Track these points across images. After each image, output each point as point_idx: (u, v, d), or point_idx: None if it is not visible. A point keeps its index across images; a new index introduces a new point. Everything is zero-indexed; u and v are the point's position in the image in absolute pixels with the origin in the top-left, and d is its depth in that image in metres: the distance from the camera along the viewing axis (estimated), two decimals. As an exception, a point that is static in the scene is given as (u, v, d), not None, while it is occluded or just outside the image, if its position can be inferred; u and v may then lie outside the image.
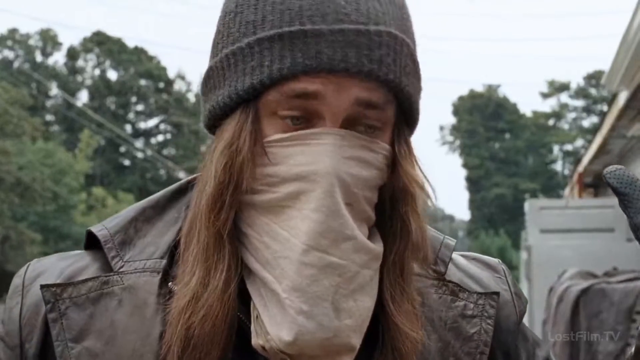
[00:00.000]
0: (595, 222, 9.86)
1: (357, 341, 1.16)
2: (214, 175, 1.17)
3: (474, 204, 65.13)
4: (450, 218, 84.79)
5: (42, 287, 1.23)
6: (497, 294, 1.33)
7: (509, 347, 1.33)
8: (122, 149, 57.65)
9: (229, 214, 1.17)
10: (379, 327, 1.22)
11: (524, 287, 10.65)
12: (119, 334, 1.20)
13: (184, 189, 1.32)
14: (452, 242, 1.36)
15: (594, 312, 5.84)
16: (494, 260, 1.41)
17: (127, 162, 58.87)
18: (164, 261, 1.25)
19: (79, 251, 1.33)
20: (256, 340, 1.16)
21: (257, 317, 1.16)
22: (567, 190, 17.96)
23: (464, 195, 71.61)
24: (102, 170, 54.55)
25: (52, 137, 47.82)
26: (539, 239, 9.86)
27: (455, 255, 1.37)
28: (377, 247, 1.19)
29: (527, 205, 10.90)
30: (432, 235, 1.34)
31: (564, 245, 9.04)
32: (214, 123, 1.23)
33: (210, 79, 1.24)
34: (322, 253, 1.13)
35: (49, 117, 56.79)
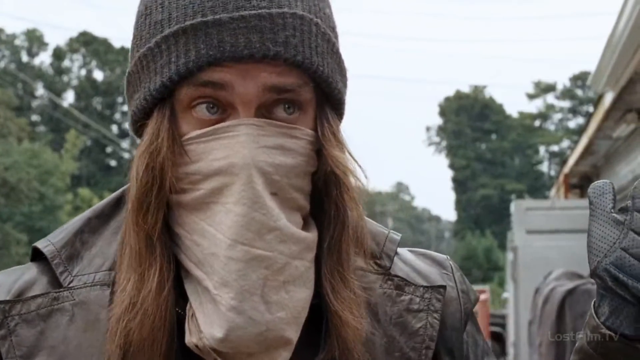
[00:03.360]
0: (582, 222, 9.80)
1: (292, 334, 1.14)
2: (137, 178, 1.16)
3: (460, 205, 65.26)
4: (437, 219, 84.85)
5: None
6: (444, 287, 1.31)
7: (453, 345, 1.31)
8: (109, 150, 57.56)
9: (156, 215, 1.16)
10: (323, 317, 1.20)
11: (510, 288, 10.69)
12: (72, 350, 1.19)
13: (125, 196, 1.29)
14: (397, 236, 1.35)
15: (579, 313, 5.86)
16: (442, 257, 1.40)
17: (113, 163, 58.78)
18: (113, 273, 1.23)
19: (24, 265, 1.30)
20: (189, 339, 1.15)
21: (192, 315, 1.15)
22: (553, 191, 18.00)
23: (450, 196, 71.71)
24: (89, 170, 54.45)
25: (38, 137, 47.71)
26: (525, 240, 9.88)
27: (402, 250, 1.36)
28: (309, 235, 1.18)
29: (513, 206, 10.92)
30: (377, 230, 1.33)
31: (550, 246, 9.07)
32: (137, 127, 1.22)
33: (130, 85, 1.23)
34: (247, 247, 1.11)
35: (35, 118, 56.67)
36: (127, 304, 1.14)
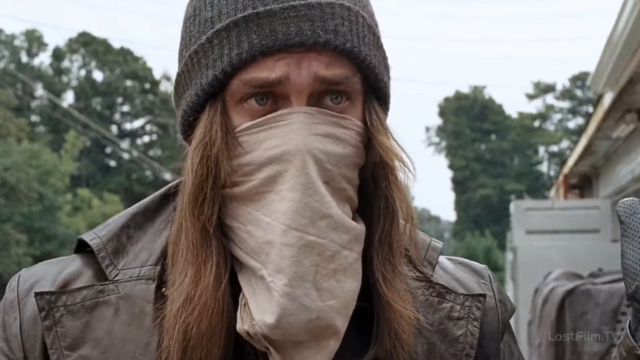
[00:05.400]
0: (581, 223, 9.88)
1: (341, 324, 1.15)
2: (192, 170, 1.18)
3: (459, 205, 65.22)
4: (436, 219, 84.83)
5: (37, 294, 1.22)
6: (484, 296, 1.32)
7: (490, 354, 1.32)
8: (108, 150, 57.50)
9: (212, 208, 1.17)
10: (373, 310, 1.21)
11: (509, 288, 10.69)
12: (116, 343, 1.20)
13: (172, 193, 1.31)
14: (439, 244, 1.36)
15: (579, 313, 5.85)
16: (480, 266, 1.41)
17: (112, 163, 58.71)
18: (158, 267, 1.24)
19: (68, 256, 1.31)
20: (241, 326, 1.16)
21: (244, 304, 1.16)
22: (552, 192, 18.00)
23: (450, 197, 71.72)
24: (88, 171, 54.38)
25: (37, 138, 47.63)
26: (525, 240, 9.87)
27: (442, 259, 1.37)
28: (358, 226, 1.19)
29: (513, 207, 10.92)
30: (419, 237, 1.33)
31: (549, 246, 9.05)
32: (188, 125, 1.23)
33: (179, 86, 1.25)
34: (301, 232, 1.13)
35: (35, 118, 56.58)
36: (184, 299, 1.15)
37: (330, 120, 1.17)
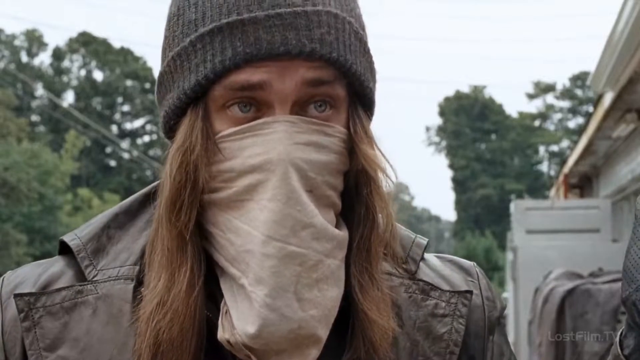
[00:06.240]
0: (581, 222, 9.88)
1: (323, 332, 1.14)
2: (170, 176, 1.16)
3: (460, 205, 65.24)
4: (436, 219, 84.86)
5: (16, 296, 1.22)
6: (470, 292, 1.30)
7: (475, 352, 1.30)
8: (108, 150, 57.57)
9: (189, 214, 1.16)
10: (349, 318, 1.20)
11: (509, 288, 10.70)
12: (94, 343, 1.19)
13: (154, 192, 1.30)
14: (423, 241, 1.34)
15: (579, 313, 5.85)
16: (469, 263, 1.39)
17: (113, 163, 58.78)
18: (137, 267, 1.23)
19: (51, 258, 1.31)
20: (222, 335, 1.15)
21: (226, 312, 1.16)
22: (552, 191, 18.00)
23: (450, 196, 71.74)
24: (88, 171, 54.43)
25: (37, 137, 47.64)
26: (525, 240, 9.87)
27: (429, 256, 1.36)
28: (341, 233, 1.18)
29: (513, 206, 10.92)
30: (403, 234, 1.32)
31: (549, 245, 9.05)
32: (169, 128, 1.22)
33: (161, 85, 1.24)
34: (282, 243, 1.11)
35: (35, 118, 56.63)
36: (156, 303, 1.15)
37: (312, 129, 1.16)
